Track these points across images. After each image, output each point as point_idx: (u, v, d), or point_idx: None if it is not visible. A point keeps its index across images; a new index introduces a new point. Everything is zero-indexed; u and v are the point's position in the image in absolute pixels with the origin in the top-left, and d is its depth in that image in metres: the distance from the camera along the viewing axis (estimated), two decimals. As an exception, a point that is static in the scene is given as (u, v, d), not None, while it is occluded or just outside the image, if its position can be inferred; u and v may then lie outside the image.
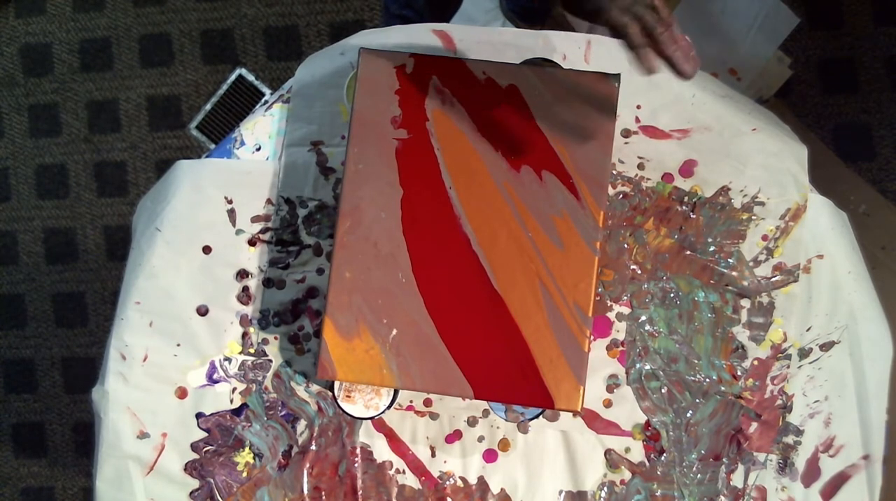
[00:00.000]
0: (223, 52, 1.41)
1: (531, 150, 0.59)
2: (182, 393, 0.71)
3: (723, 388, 0.69)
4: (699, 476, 0.69)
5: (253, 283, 0.72)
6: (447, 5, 0.94)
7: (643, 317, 0.70)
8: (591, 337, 0.68)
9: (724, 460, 0.69)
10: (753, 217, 0.70)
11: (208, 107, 1.41)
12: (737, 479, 0.69)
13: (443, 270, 0.59)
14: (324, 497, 0.70)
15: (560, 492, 0.69)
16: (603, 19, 0.48)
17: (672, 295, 0.70)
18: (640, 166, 0.72)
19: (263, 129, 0.74)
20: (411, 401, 0.71)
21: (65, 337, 1.44)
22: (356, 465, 0.70)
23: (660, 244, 0.71)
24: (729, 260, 0.70)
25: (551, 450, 0.70)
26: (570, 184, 0.59)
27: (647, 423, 0.69)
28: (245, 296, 0.72)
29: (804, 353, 0.69)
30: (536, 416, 0.67)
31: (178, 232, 0.72)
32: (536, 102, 0.60)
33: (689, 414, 0.69)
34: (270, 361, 0.72)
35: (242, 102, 1.40)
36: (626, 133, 0.72)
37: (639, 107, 0.72)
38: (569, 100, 0.59)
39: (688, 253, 0.70)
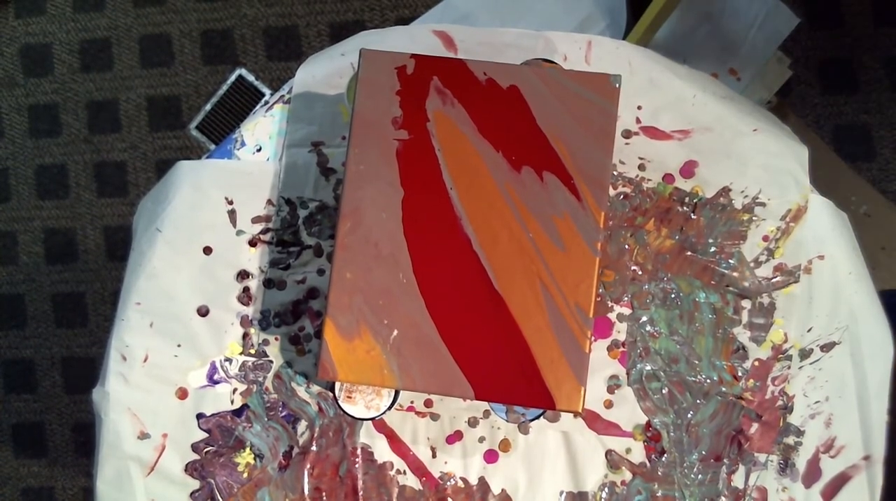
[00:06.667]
0: (223, 53, 1.41)
1: (532, 151, 0.59)
2: (183, 394, 0.71)
3: (724, 389, 0.69)
4: (700, 476, 0.69)
5: (254, 284, 0.72)
6: None
7: (644, 318, 0.70)
8: (592, 338, 0.68)
9: (724, 461, 0.69)
10: (754, 217, 0.70)
11: (208, 107, 1.41)
12: (738, 480, 0.69)
13: (444, 271, 0.59)
14: (324, 498, 0.70)
15: (561, 493, 0.69)
16: None
17: (673, 295, 0.70)
18: (641, 167, 0.72)
19: (264, 130, 0.74)
20: (412, 402, 0.71)
21: (65, 338, 1.44)
22: (357, 466, 0.70)
23: (661, 245, 0.71)
24: (730, 260, 0.70)
25: (552, 451, 0.70)
26: (571, 185, 0.59)
27: (648, 424, 0.69)
28: (246, 297, 0.72)
29: (805, 354, 0.69)
30: (537, 417, 0.67)
31: (178, 232, 0.72)
32: (537, 103, 0.59)
33: (689, 415, 0.69)
34: (271, 362, 0.72)
35: (242, 103, 1.40)
36: (627, 134, 0.72)
37: (639, 107, 0.72)
38: (570, 100, 0.59)
39: (689, 253, 0.70)
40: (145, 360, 0.71)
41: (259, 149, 0.74)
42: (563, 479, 0.69)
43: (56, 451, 1.44)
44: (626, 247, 0.71)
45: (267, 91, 1.40)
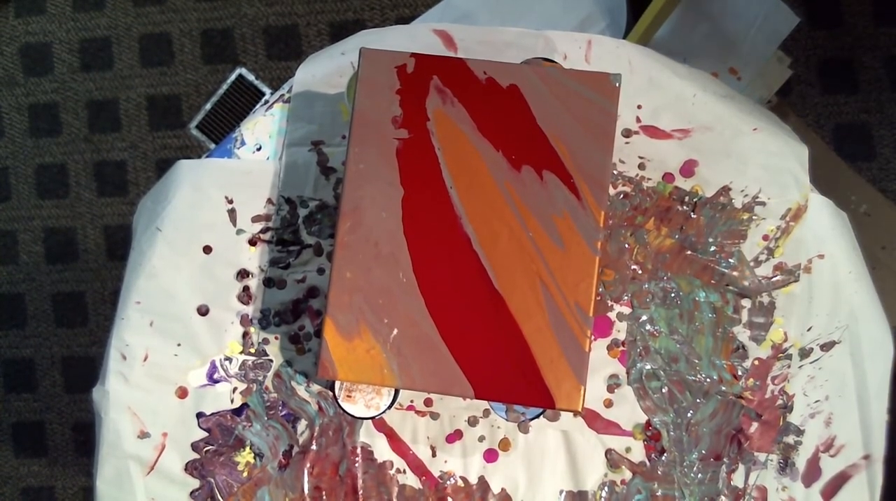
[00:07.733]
0: (223, 52, 1.41)
1: (532, 150, 0.59)
2: (182, 393, 0.71)
3: (723, 388, 0.69)
4: (700, 475, 0.69)
5: (253, 283, 0.72)
6: None
7: (644, 317, 0.70)
8: (592, 337, 0.68)
9: (724, 460, 0.69)
10: (754, 217, 0.70)
11: (208, 106, 1.41)
12: (737, 479, 0.69)
13: (443, 270, 0.59)
14: (324, 497, 0.70)
15: (561, 492, 0.69)
16: None
17: (673, 294, 0.70)
18: (641, 166, 0.72)
19: (264, 129, 0.74)
20: (412, 401, 0.71)
21: (65, 337, 1.44)
22: (357, 465, 0.70)
23: (661, 244, 0.71)
24: (730, 260, 0.70)
25: (552, 450, 0.70)
26: (571, 184, 0.59)
27: (648, 423, 0.69)
28: (245, 296, 0.72)
29: (805, 353, 0.69)
30: (537, 416, 0.67)
31: (178, 232, 0.72)
32: (537, 102, 0.59)
33: (689, 414, 0.69)
34: (271, 361, 0.72)
35: (242, 102, 1.40)
36: (627, 133, 0.72)
37: (639, 106, 0.72)
38: (570, 99, 0.59)
39: (689, 253, 0.70)
40: (145, 359, 0.71)
41: (259, 149, 0.74)
42: (563, 478, 0.69)
43: (56, 451, 1.44)
44: (626, 246, 0.71)
45: (267, 90, 1.40)
